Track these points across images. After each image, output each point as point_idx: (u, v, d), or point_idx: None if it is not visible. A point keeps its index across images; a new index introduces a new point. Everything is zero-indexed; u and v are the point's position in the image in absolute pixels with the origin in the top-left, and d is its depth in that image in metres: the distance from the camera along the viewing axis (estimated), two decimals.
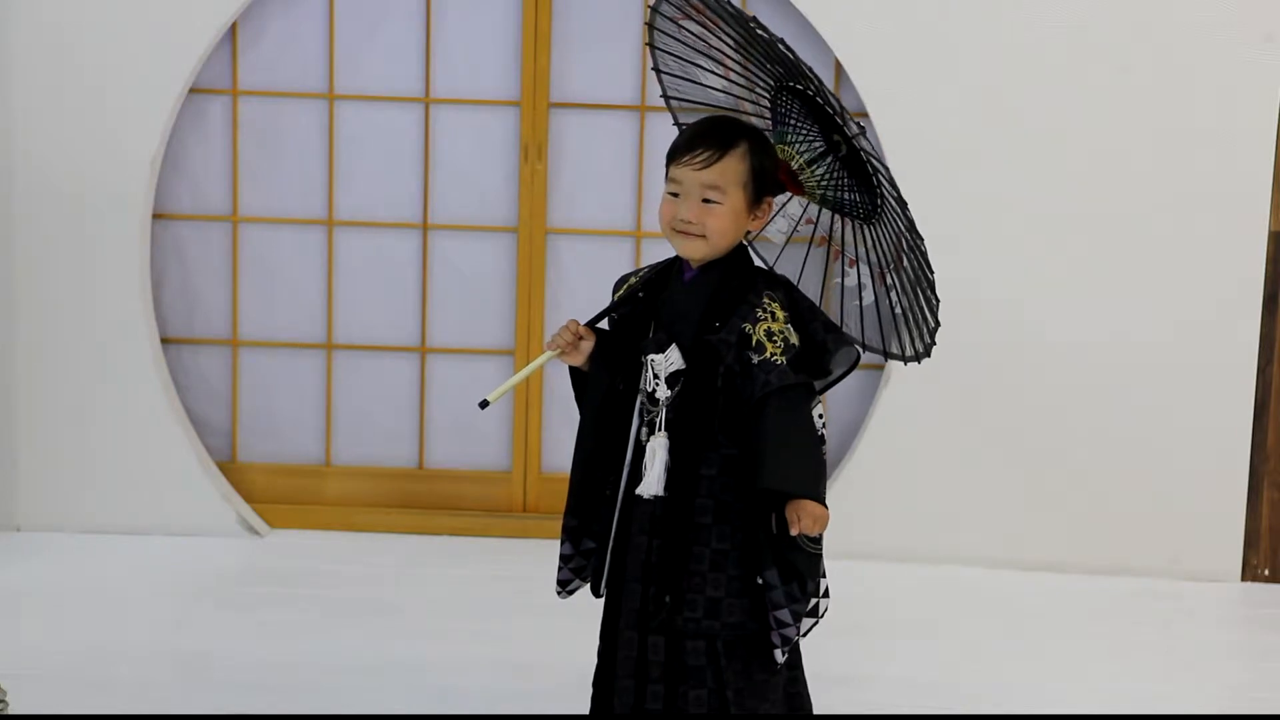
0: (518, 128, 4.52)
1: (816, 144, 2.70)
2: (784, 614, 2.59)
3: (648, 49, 2.89)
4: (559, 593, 2.79)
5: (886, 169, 2.54)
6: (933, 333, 2.65)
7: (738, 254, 2.68)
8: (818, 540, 2.63)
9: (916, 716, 3.43)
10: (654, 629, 2.63)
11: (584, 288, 4.53)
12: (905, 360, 2.71)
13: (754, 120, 2.77)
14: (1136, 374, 4.36)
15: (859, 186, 2.68)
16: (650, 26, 2.82)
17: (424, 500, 4.65)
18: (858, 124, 2.53)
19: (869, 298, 2.73)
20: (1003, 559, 4.41)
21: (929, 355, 2.68)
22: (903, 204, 2.53)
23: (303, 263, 4.60)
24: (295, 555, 4.40)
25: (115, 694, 3.35)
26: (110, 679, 3.44)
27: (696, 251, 2.65)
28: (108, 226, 4.36)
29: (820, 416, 2.66)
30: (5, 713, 3.11)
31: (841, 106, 2.53)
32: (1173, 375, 4.35)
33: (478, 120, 4.54)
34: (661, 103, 2.95)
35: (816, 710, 2.79)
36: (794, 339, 2.60)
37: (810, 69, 2.51)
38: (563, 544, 2.75)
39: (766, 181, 2.66)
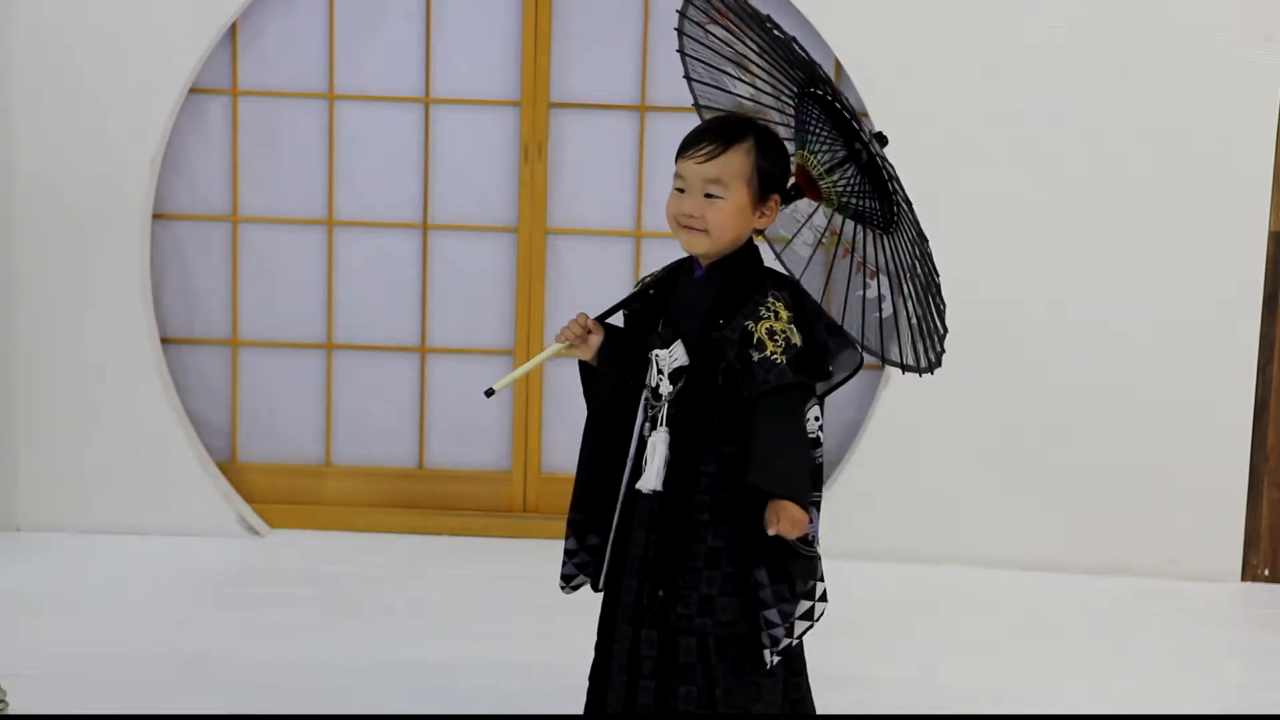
0: (518, 128, 4.52)
1: (838, 151, 2.70)
2: (772, 614, 2.59)
3: (679, 56, 2.88)
4: (562, 588, 2.79)
5: (892, 168, 2.54)
6: (942, 340, 2.64)
7: (747, 252, 2.69)
8: (812, 542, 2.63)
9: (916, 716, 3.43)
10: (647, 624, 2.64)
11: (584, 288, 4.53)
12: (920, 372, 2.69)
13: (779, 128, 2.77)
14: (1136, 374, 4.36)
15: (878, 194, 2.68)
16: (679, 32, 2.83)
17: (424, 500, 4.65)
18: (877, 133, 2.53)
19: (888, 309, 2.72)
20: (1003, 559, 4.41)
21: (940, 365, 2.67)
22: (908, 203, 2.54)
23: (303, 263, 4.60)
24: (295, 555, 4.40)
25: (115, 694, 3.35)
26: (110, 679, 3.44)
27: (700, 246, 2.65)
28: (108, 226, 4.36)
29: (817, 420, 2.65)
30: (5, 713, 3.11)
31: (854, 111, 2.53)
32: (1173, 375, 4.35)
33: (478, 120, 4.54)
34: (662, 102, 2.96)
35: (818, 710, 2.79)
36: (796, 339, 2.60)
37: (822, 70, 2.52)
38: (567, 539, 2.76)
39: (772, 179, 2.66)
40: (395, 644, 3.70)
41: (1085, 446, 4.38)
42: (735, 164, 2.62)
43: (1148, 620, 4.13)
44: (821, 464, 2.68)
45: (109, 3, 4.30)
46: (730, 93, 2.85)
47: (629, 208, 4.57)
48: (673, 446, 2.62)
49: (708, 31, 2.78)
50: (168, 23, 4.31)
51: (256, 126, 4.54)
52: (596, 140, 4.53)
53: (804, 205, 2.79)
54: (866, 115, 4.27)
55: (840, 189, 2.71)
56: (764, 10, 2.59)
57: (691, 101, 2.95)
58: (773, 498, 2.55)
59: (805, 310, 2.65)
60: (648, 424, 2.67)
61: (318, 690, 3.41)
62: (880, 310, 2.74)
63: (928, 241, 2.56)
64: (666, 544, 2.62)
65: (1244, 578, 4.44)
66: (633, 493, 2.67)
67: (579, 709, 2.93)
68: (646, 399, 2.68)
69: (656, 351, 2.66)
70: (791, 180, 2.73)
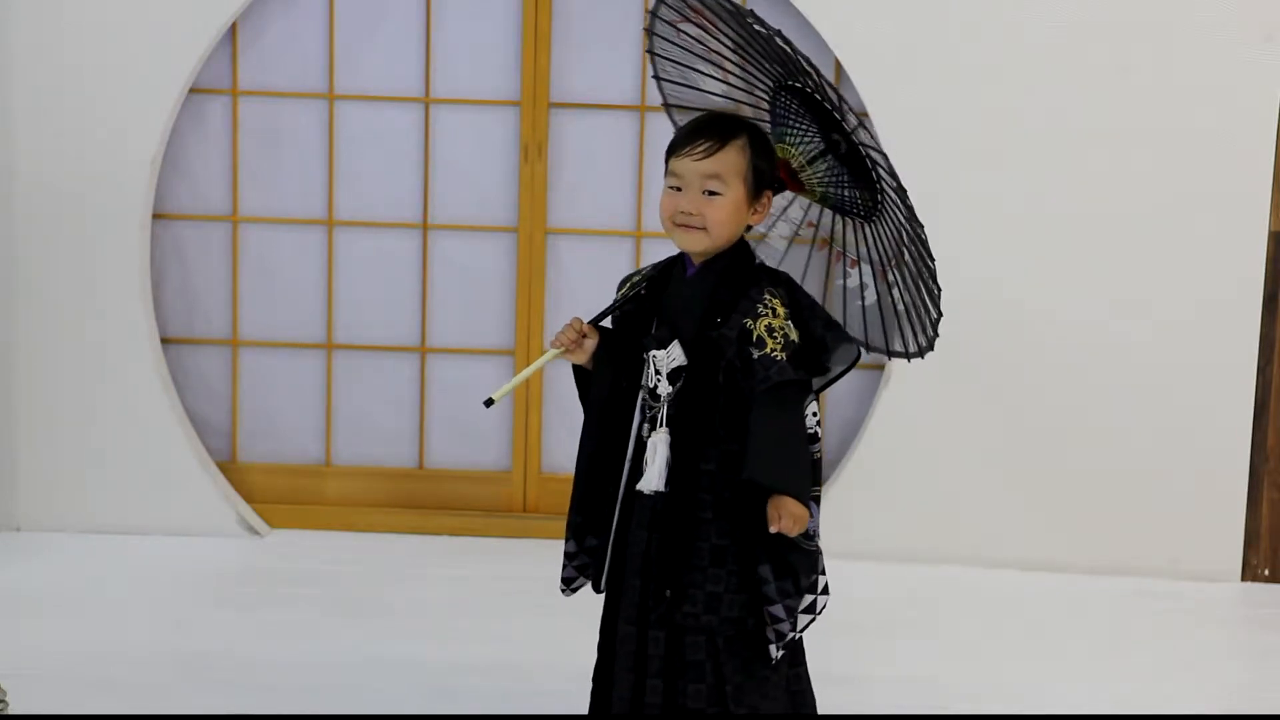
0: (518, 128, 4.52)
1: (815, 142, 2.71)
2: (778, 609, 2.60)
3: (648, 56, 2.88)
4: (563, 590, 2.79)
5: (885, 157, 2.53)
6: (935, 324, 2.65)
7: (739, 250, 2.69)
8: (813, 537, 2.64)
9: (916, 716, 3.43)
10: (654, 624, 2.64)
11: (584, 288, 4.53)
12: (909, 357, 2.70)
13: (755, 122, 2.77)
14: (1136, 374, 4.36)
15: (859, 183, 2.69)
16: (649, 33, 2.82)
17: (424, 500, 4.65)
18: (858, 117, 2.53)
19: (871, 297, 2.73)
20: (1003, 559, 4.41)
21: (932, 349, 2.68)
22: (902, 192, 2.53)
23: (303, 263, 4.60)
24: (295, 555, 4.40)
25: (115, 694, 3.35)
26: (110, 679, 3.44)
27: (697, 244, 2.65)
28: (108, 226, 4.36)
29: (815, 415, 2.66)
30: (5, 713, 3.11)
31: (841, 99, 2.52)
32: (1173, 375, 4.35)
33: (478, 120, 4.54)
34: (662, 101, 2.95)
35: (818, 709, 2.79)
36: (794, 335, 2.61)
37: (809, 61, 2.51)
38: (567, 541, 2.76)
39: (765, 175, 2.67)
40: (395, 644, 3.70)
41: (1085, 446, 4.38)
42: (732, 160, 2.62)
43: (1148, 620, 4.13)
44: (820, 459, 2.68)
45: (109, 3, 4.29)
46: (701, 90, 2.84)
47: (629, 208, 4.57)
48: (673, 446, 2.62)
49: (679, 30, 2.77)
50: (168, 23, 4.31)
51: (256, 126, 4.54)
52: (596, 140, 4.53)
53: (779, 198, 2.79)
54: (867, 115, 4.27)
55: (820, 180, 2.71)
56: (764, 10, 2.59)
57: (660, 101, 2.94)
58: (773, 494, 2.55)
59: (801, 306, 2.65)
60: (646, 425, 2.67)
61: (318, 690, 3.41)
62: (863, 299, 2.74)
63: (922, 227, 2.55)
64: (670, 543, 2.62)
65: (1244, 578, 4.44)
66: (632, 493, 2.67)
67: (579, 709, 2.93)
68: (644, 400, 2.68)
69: (653, 352, 2.66)
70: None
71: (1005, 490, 4.41)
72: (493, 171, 4.55)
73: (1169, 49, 4.25)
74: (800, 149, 2.71)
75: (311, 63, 4.52)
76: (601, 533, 2.73)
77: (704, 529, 2.62)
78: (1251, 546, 4.44)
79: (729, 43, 2.71)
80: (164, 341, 4.55)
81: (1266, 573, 4.45)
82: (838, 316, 2.76)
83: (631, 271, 2.84)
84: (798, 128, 2.72)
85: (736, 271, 2.66)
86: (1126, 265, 4.33)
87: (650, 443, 2.64)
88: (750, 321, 2.59)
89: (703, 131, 2.64)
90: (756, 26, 2.53)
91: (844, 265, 2.79)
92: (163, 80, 4.33)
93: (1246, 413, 4.38)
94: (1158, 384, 4.36)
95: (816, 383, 2.66)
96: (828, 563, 2.72)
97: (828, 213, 2.79)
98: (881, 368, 4.46)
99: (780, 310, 2.61)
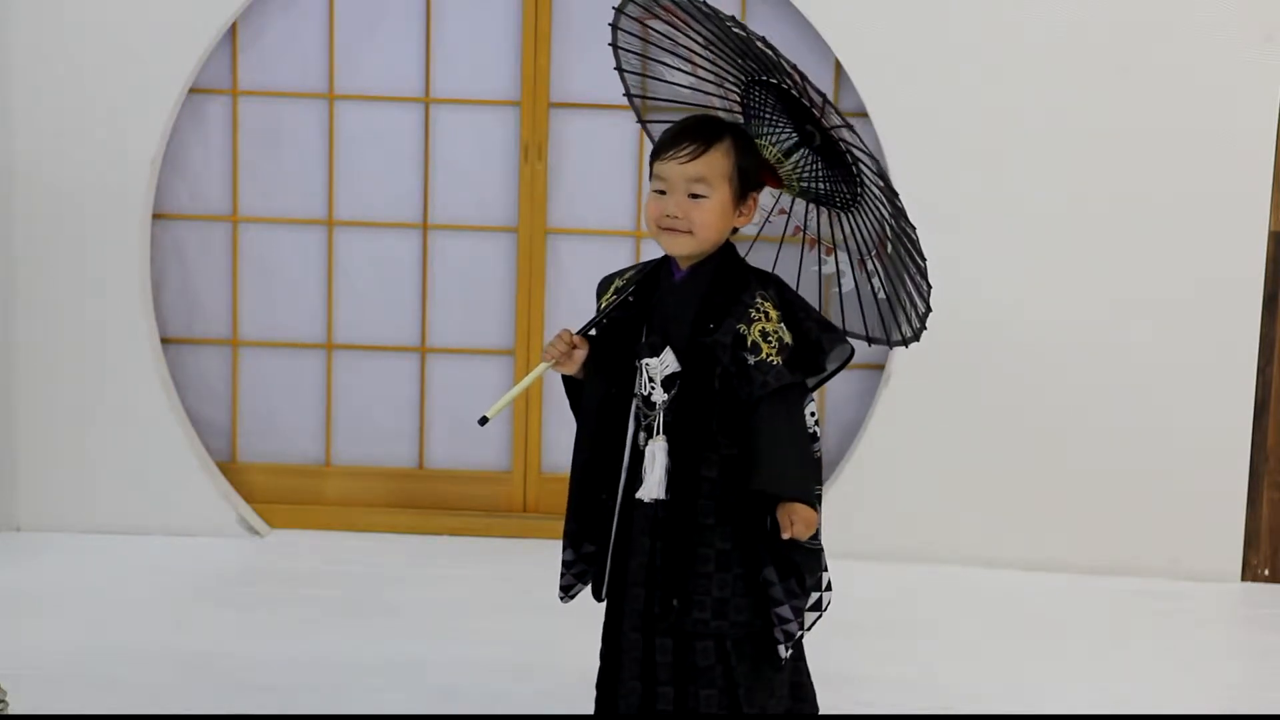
0: (518, 128, 4.52)
1: (789, 136, 2.71)
2: (784, 610, 2.60)
3: (610, 49, 2.87)
4: (561, 598, 2.79)
5: (873, 159, 2.53)
6: (923, 318, 2.65)
7: (726, 253, 2.68)
8: (815, 535, 2.64)
9: (916, 716, 3.43)
10: (660, 631, 2.63)
11: (584, 288, 4.50)
12: (890, 344, 2.72)
13: (723, 116, 2.77)
14: (1136, 374, 4.36)
15: (836, 175, 2.69)
16: (613, 27, 2.81)
17: (424, 500, 4.65)
18: (842, 117, 2.52)
19: (848, 284, 2.74)
20: (1003, 559, 4.41)
21: (917, 339, 2.69)
22: (892, 193, 2.53)
23: (303, 263, 4.60)
24: (295, 555, 4.40)
25: (115, 694, 3.35)
26: (110, 679, 3.44)
27: (684, 248, 2.64)
28: (108, 226, 4.36)
29: (813, 415, 2.66)
30: (5, 713, 3.11)
31: (825, 99, 2.51)
32: (1173, 375, 4.35)
33: (478, 120, 4.54)
34: (624, 92, 2.94)
35: (818, 702, 2.80)
36: (787, 338, 2.60)
37: (791, 65, 2.50)
38: (564, 550, 2.75)
39: (751, 177, 2.67)
40: (395, 644, 3.70)
41: (1085, 447, 4.38)
42: (717, 163, 2.62)
43: (1148, 620, 4.13)
44: (820, 458, 2.69)
45: (109, 3, 4.30)
46: (667, 82, 2.83)
47: (629, 208, 4.56)
48: (671, 453, 2.62)
49: (646, 26, 2.77)
50: (168, 23, 4.31)
51: (256, 126, 4.54)
52: (596, 140, 4.53)
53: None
54: (867, 115, 4.27)
55: (798, 173, 2.72)
56: (764, 10, 2.59)
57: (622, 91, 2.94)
58: (781, 500, 2.55)
59: (793, 307, 2.65)
60: (642, 432, 2.66)
61: (318, 690, 3.41)
62: (839, 285, 2.76)
63: (914, 228, 2.54)
64: (674, 551, 2.61)
65: (1244, 578, 4.44)
66: (630, 501, 2.67)
67: (578, 709, 2.93)
68: (637, 407, 2.67)
69: (646, 360, 2.65)
70: None
71: (1005, 490, 4.41)
72: (493, 171, 4.55)
73: (1169, 49, 4.25)
74: (775, 143, 2.72)
75: (311, 63, 4.52)
76: (598, 540, 2.73)
77: (707, 535, 2.62)
78: (1251, 546, 4.44)
79: (700, 39, 2.71)
80: (164, 341, 4.55)
81: (1266, 573, 4.45)
82: (812, 300, 2.77)
83: (610, 274, 2.82)
84: (771, 121, 2.72)
85: (725, 274, 2.66)
86: (1126, 265, 4.33)
87: (648, 451, 2.63)
88: (743, 326, 2.58)
89: (687, 135, 2.63)
90: (735, 29, 2.53)
91: (819, 251, 2.80)
92: (163, 80, 4.33)
93: (1246, 413, 4.38)
94: (1158, 384, 4.36)
95: (811, 382, 2.67)
96: (829, 562, 2.72)
97: (799, 200, 2.80)
98: (881, 367, 4.46)
99: (772, 313, 2.61)
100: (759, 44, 2.50)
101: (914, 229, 2.55)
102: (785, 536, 2.55)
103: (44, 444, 4.45)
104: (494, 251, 4.59)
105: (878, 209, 2.62)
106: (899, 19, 4.27)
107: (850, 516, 4.32)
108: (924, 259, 2.59)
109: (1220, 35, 4.23)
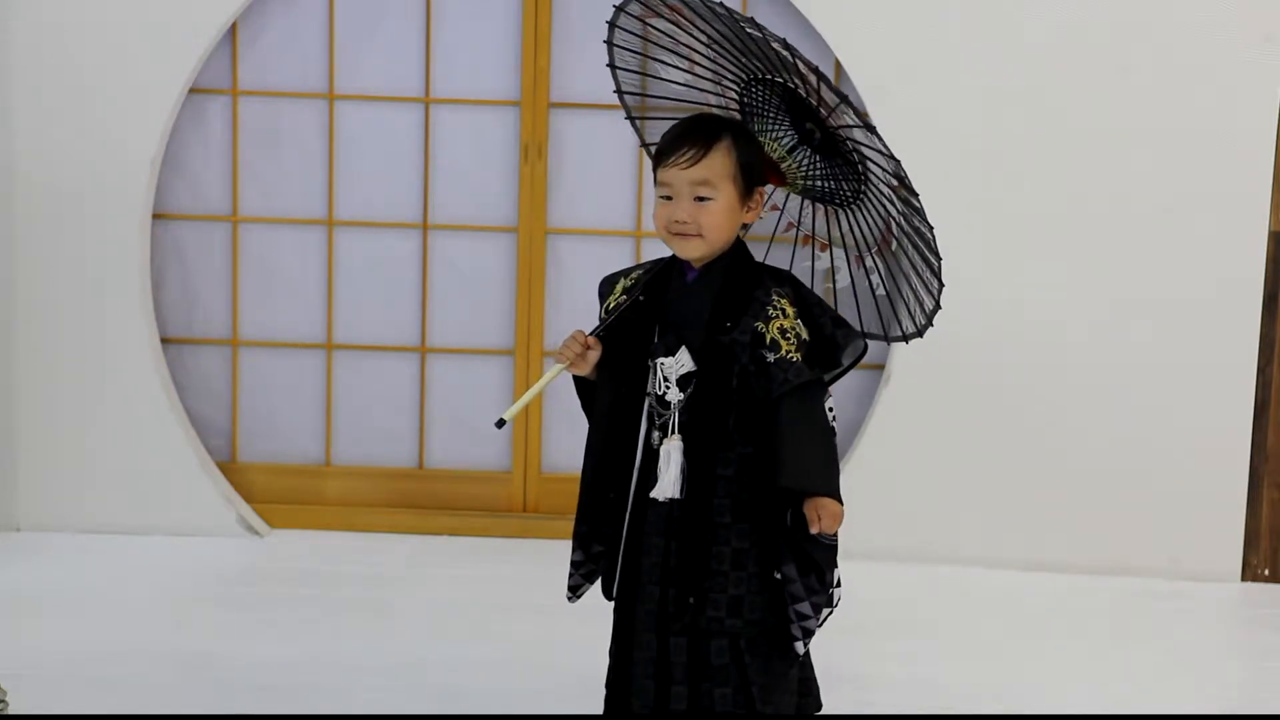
0: (518, 128, 4.52)
1: (790, 134, 2.71)
2: (804, 606, 2.61)
3: (606, 46, 2.86)
4: (569, 597, 2.79)
5: (893, 159, 2.52)
6: (930, 315, 2.66)
7: (738, 251, 2.69)
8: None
9: (917, 716, 3.43)
10: (676, 630, 2.63)
11: (584, 288, 4.52)
12: (888, 340, 2.74)
13: (718, 113, 2.77)
14: (1136, 374, 4.36)
15: (839, 173, 2.69)
16: (612, 25, 2.81)
17: (424, 500, 4.65)
18: (861, 119, 2.51)
19: (844, 280, 2.75)
20: (1003, 559, 4.41)
21: (920, 335, 2.70)
22: (910, 192, 2.53)
23: (303, 263, 4.60)
24: (295, 555, 4.40)
25: (115, 694, 3.35)
26: (110, 679, 3.43)
27: (696, 251, 2.65)
28: (108, 226, 4.36)
29: (830, 410, 2.66)
30: (5, 713, 3.11)
31: (844, 99, 2.51)
32: (1173, 375, 4.35)
33: (478, 120, 4.54)
34: (615, 89, 2.94)
35: (820, 695, 2.80)
36: (805, 334, 2.61)
37: (811, 67, 2.50)
38: (574, 550, 2.75)
39: (755, 173, 2.66)
40: (395, 644, 3.70)
41: (1085, 447, 4.38)
42: (719, 164, 2.61)
43: (1148, 620, 4.13)
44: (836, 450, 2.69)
45: (109, 3, 4.29)
46: (662, 79, 2.83)
47: (629, 208, 4.56)
48: (687, 452, 2.62)
49: (646, 24, 2.76)
50: (168, 23, 4.31)
51: (256, 126, 4.54)
52: (596, 140, 4.53)
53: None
54: (866, 115, 4.26)
55: (802, 171, 2.72)
56: (764, 10, 2.60)
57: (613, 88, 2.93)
58: (808, 496, 2.55)
59: (808, 304, 2.66)
60: (656, 432, 2.66)
61: (318, 690, 3.41)
62: (834, 281, 2.77)
63: (932, 228, 2.55)
64: (690, 549, 2.61)
65: (1244, 578, 4.44)
66: (642, 501, 2.66)
67: (579, 709, 2.93)
68: (651, 407, 2.67)
69: (661, 359, 2.65)
70: None
71: (1005, 490, 4.41)
72: (493, 171, 4.55)
73: (1169, 49, 4.25)
74: (776, 139, 2.72)
75: (311, 63, 4.52)
76: (606, 540, 2.72)
77: (723, 533, 2.62)
78: (1251, 546, 4.44)
79: (703, 38, 2.71)
80: (164, 341, 4.55)
81: (1266, 573, 4.45)
82: None
83: (612, 273, 2.81)
84: (772, 119, 2.72)
85: (739, 272, 2.66)
86: (1126, 265, 4.33)
87: (663, 450, 2.63)
88: (761, 324, 2.59)
89: (686, 138, 2.63)
90: (751, 30, 2.53)
91: (813, 248, 2.80)
92: (163, 80, 4.33)
93: (1246, 413, 4.38)
94: (1158, 384, 4.36)
95: (827, 378, 2.67)
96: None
97: (794, 197, 2.80)
98: (881, 367, 4.46)
99: (789, 310, 2.61)
100: (775, 45, 2.50)
101: (931, 229, 2.55)
102: (814, 531, 2.56)
103: (44, 444, 4.45)
104: (494, 251, 4.59)
105: (882, 207, 2.62)
106: (899, 19, 4.27)
107: (850, 516, 4.27)
108: (939, 258, 2.59)
109: (1220, 35, 4.23)
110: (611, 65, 2.89)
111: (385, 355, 4.64)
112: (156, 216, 4.51)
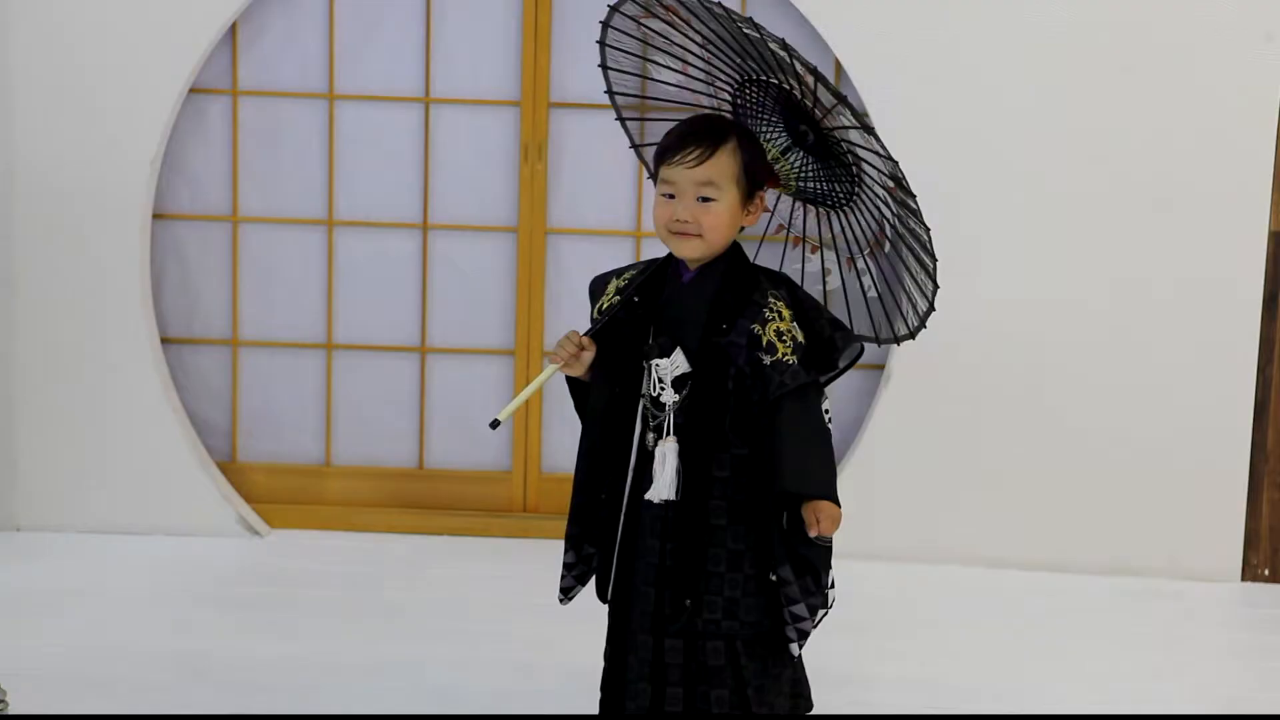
0: (518, 128, 4.52)
1: (783, 136, 2.71)
2: (800, 608, 2.61)
3: (598, 47, 2.84)
4: (561, 599, 2.79)
5: (890, 160, 2.51)
6: (924, 316, 2.65)
7: (734, 253, 2.68)
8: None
9: (916, 716, 3.43)
10: (673, 632, 2.63)
11: (584, 288, 4.46)
12: (879, 342, 2.73)
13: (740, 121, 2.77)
14: (1136, 374, 4.36)
15: (831, 174, 2.69)
16: (605, 25, 2.79)
17: (424, 500, 4.65)
18: (860, 120, 2.50)
19: (834, 282, 2.75)
20: (1003, 559, 4.41)
21: (912, 337, 2.70)
22: (907, 193, 2.52)
23: (303, 263, 4.60)
24: (295, 555, 4.40)
25: (115, 694, 3.35)
26: (110, 679, 3.44)
27: (694, 251, 2.64)
28: (108, 226, 4.36)
29: (827, 412, 2.66)
30: (5, 713, 3.11)
31: (843, 100, 2.49)
32: (1173, 375, 4.35)
33: (478, 120, 4.54)
34: (605, 89, 2.93)
35: (816, 710, 2.80)
36: (800, 337, 2.61)
37: (810, 68, 2.49)
38: (566, 552, 2.75)
39: (758, 176, 2.66)
40: (395, 644, 3.70)
41: (1085, 446, 4.38)
42: (725, 165, 2.61)
43: (1148, 620, 4.13)
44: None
45: (109, 3, 4.30)
46: (654, 80, 2.82)
47: (629, 208, 4.56)
48: (682, 454, 2.61)
49: (641, 25, 2.75)
50: (168, 23, 4.31)
51: (256, 126, 4.54)
52: (596, 140, 4.53)
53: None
54: (866, 115, 4.27)
55: (796, 173, 2.72)
56: (764, 10, 2.59)
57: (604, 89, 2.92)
58: (806, 500, 2.55)
59: (805, 307, 2.65)
60: (650, 433, 2.66)
61: (318, 690, 3.41)
62: (824, 283, 2.77)
63: (928, 229, 2.54)
64: (685, 552, 2.61)
65: (1244, 578, 4.44)
66: (637, 502, 2.66)
67: (579, 709, 2.93)
68: (645, 408, 2.67)
69: (656, 360, 2.64)
70: None
71: (1005, 490, 4.40)
72: (493, 171, 4.55)
73: (1169, 49, 4.25)
74: (771, 143, 2.71)
75: (311, 63, 4.52)
76: (598, 542, 2.72)
77: (719, 535, 2.62)
78: (1251, 546, 4.44)
79: (697, 39, 2.69)
80: (164, 341, 4.55)
81: (1266, 573, 4.45)
82: None
83: (603, 274, 2.80)
84: (766, 121, 2.72)
85: (736, 275, 2.65)
86: (1126, 265, 4.33)
87: (658, 452, 2.63)
88: (758, 327, 2.58)
89: (693, 137, 2.61)
90: (749, 30, 2.52)
91: (803, 250, 2.80)
92: (163, 80, 4.33)
93: (1246, 413, 4.38)
94: (1158, 384, 4.36)
95: (822, 380, 2.67)
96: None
97: (785, 199, 2.80)
98: (881, 367, 4.46)
99: (785, 313, 2.61)
100: (773, 45, 2.49)
101: (927, 230, 2.55)
102: (812, 534, 2.56)
103: (44, 444, 4.45)
104: (494, 251, 4.59)
105: (876, 209, 2.61)
106: (899, 19, 4.27)
107: (850, 516, 4.26)
108: (935, 259, 2.59)
109: (1220, 35, 4.23)
110: (603, 66, 2.87)
111: (385, 355, 4.64)
112: (156, 216, 4.51)
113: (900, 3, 4.27)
